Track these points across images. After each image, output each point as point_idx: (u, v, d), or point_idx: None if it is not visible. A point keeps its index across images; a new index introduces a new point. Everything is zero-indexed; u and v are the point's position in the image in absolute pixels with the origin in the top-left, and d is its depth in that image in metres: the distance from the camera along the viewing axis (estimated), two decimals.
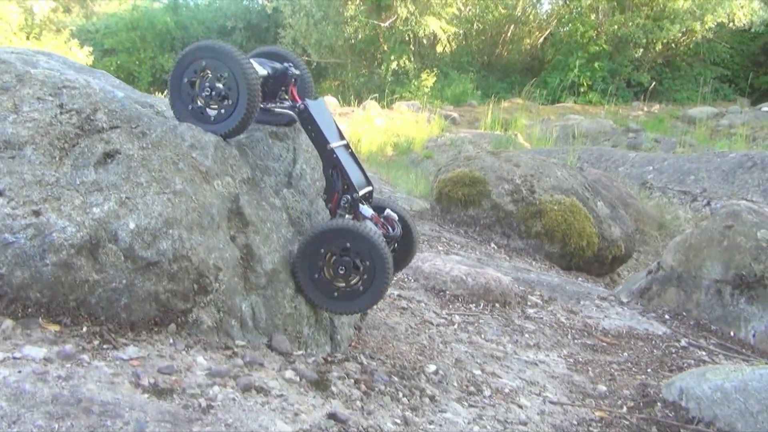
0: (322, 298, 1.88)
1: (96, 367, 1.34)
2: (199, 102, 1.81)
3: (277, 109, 2.01)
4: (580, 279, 4.98)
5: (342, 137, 2.10)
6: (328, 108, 2.17)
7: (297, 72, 2.07)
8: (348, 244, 1.80)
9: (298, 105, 1.99)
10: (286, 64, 2.05)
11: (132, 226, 1.53)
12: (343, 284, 1.85)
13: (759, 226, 3.10)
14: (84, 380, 1.28)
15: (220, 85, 1.76)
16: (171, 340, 1.56)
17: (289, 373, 1.62)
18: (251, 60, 1.87)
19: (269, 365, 1.65)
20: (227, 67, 1.75)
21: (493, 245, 5.28)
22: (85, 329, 1.47)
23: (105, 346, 1.43)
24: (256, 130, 2.16)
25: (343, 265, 1.82)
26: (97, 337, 1.45)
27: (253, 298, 1.79)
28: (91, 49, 14.44)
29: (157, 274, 1.56)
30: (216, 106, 1.80)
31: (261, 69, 1.92)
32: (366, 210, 1.98)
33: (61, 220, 1.47)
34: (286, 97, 2.07)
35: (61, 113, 1.60)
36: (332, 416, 1.45)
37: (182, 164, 1.68)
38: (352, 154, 2.09)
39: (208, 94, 1.78)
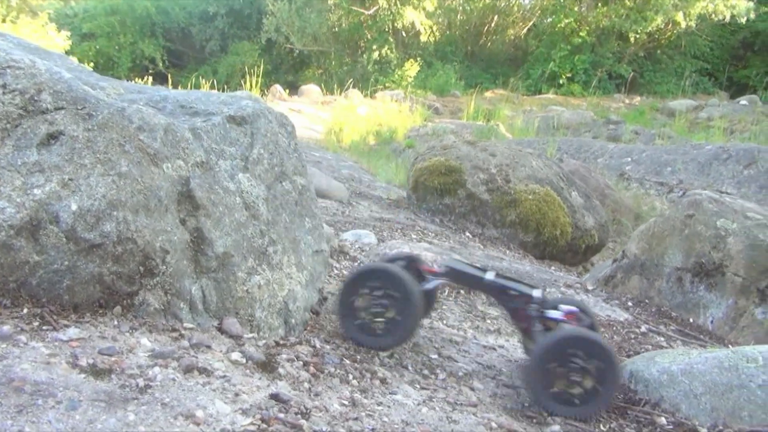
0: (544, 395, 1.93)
1: (33, 348, 1.34)
2: (365, 317, 2.05)
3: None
4: (553, 267, 5.03)
5: (484, 269, 2.30)
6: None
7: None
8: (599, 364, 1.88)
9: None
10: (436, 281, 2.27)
11: (74, 207, 1.52)
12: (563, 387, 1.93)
13: (719, 215, 3.15)
14: (19, 360, 1.28)
15: (388, 303, 2.02)
16: (115, 322, 1.56)
17: (235, 355, 1.63)
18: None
19: (217, 347, 1.66)
20: (395, 288, 2.01)
21: (468, 234, 5.32)
22: (25, 311, 1.46)
23: (45, 328, 1.43)
24: (214, 114, 2.15)
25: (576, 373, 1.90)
26: (38, 318, 1.45)
27: (204, 281, 1.79)
28: (69, 33, 14.19)
29: (101, 256, 1.55)
30: (382, 322, 2.04)
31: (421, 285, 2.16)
32: (567, 308, 2.13)
33: (0, 201, 1.45)
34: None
35: (3, 93, 1.58)
36: (274, 397, 1.46)
37: (129, 146, 1.67)
38: (502, 276, 2.26)
39: (375, 311, 2.03)
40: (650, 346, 2.84)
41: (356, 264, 3.29)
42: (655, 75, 15.97)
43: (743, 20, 14.90)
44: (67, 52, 13.95)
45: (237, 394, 1.42)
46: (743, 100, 13.61)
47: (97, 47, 16.67)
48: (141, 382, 1.33)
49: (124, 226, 1.58)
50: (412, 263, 2.28)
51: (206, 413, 1.29)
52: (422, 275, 2.26)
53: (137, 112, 1.76)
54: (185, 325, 1.71)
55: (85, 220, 1.53)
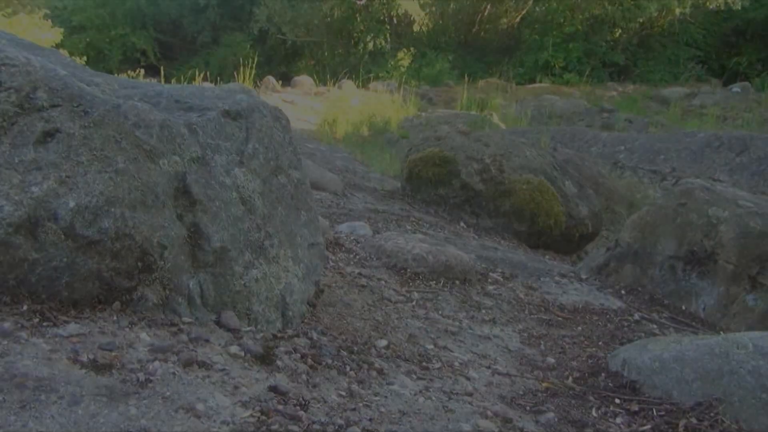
0: None
1: (34, 344, 1.36)
2: None
3: None
4: (547, 257, 5.07)
5: None
6: None
7: None
8: None
9: None
10: None
11: (72, 204, 1.53)
12: None
13: (710, 203, 3.19)
14: (20, 356, 1.30)
15: None
16: (115, 318, 1.58)
17: (234, 349, 1.65)
18: None
19: (215, 341, 1.68)
20: None
21: (462, 224, 5.35)
22: (25, 308, 1.48)
23: (45, 324, 1.44)
24: (209, 109, 2.16)
25: None
26: (38, 315, 1.46)
27: (201, 276, 1.81)
28: (61, 28, 14.06)
29: (100, 253, 1.56)
30: None
31: None
32: None
33: None
34: None
35: None
36: (273, 389, 1.49)
37: (125, 143, 1.68)
38: None
39: None
40: (643, 334, 2.88)
41: (351, 256, 3.31)
42: (647, 63, 15.99)
43: (738, 7, 14.92)
44: (57, 46, 13.84)
45: (236, 387, 1.44)
46: (736, 88, 13.64)
47: (88, 40, 16.54)
48: (141, 377, 1.35)
49: (121, 222, 1.59)
50: None
51: (206, 406, 1.32)
52: None
53: (133, 108, 1.77)
54: (184, 319, 1.73)
55: (83, 216, 1.54)
